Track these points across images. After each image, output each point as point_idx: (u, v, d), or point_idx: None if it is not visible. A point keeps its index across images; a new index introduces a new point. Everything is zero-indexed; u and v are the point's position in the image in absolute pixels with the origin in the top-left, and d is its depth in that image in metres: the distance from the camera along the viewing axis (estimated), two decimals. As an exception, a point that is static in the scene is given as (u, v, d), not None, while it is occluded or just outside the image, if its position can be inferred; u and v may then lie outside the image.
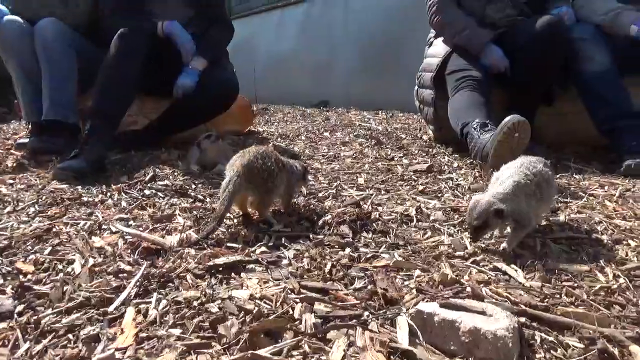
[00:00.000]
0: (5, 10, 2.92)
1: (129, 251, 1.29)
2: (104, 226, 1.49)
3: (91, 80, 2.85)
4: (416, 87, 3.23)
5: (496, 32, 2.78)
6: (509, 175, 1.33)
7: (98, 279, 1.13)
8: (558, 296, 1.04)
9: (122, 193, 1.87)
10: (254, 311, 0.95)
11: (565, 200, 1.76)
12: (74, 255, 1.26)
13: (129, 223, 1.52)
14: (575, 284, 1.10)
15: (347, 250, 1.30)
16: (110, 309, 1.01)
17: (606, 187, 1.94)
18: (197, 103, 2.80)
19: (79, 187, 1.96)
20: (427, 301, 0.99)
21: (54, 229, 1.45)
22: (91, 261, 1.20)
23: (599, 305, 1.00)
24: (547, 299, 1.02)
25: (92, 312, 1.00)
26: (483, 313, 0.91)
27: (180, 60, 2.85)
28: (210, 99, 2.83)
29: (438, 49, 2.96)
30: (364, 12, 6.31)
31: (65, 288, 1.08)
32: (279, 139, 3.31)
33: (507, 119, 2.02)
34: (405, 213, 1.62)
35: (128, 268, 1.17)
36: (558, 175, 2.17)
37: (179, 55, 2.84)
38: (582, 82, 2.50)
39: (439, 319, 0.89)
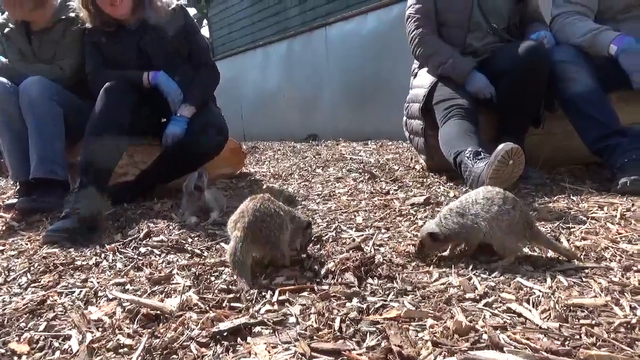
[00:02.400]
0: None
1: (128, 320, 1.24)
2: (100, 293, 1.44)
3: (80, 134, 2.84)
4: (404, 118, 3.25)
5: (478, 59, 2.82)
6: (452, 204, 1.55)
7: (97, 356, 1.07)
8: (578, 337, 1.01)
9: (117, 253, 1.82)
10: (265, 383, 0.90)
11: (568, 225, 1.74)
12: (71, 330, 1.21)
13: (126, 287, 1.47)
14: (594, 322, 1.06)
15: (355, 300, 1.26)
16: (112, 390, 0.96)
17: (606, 208, 1.93)
18: (187, 151, 2.78)
19: (72, 249, 1.91)
20: (445, 356, 0.95)
21: (48, 301, 1.39)
22: (89, 336, 1.15)
23: (621, 344, 0.97)
24: (567, 342, 0.99)
25: (93, 396, 0.95)
26: (505, 366, 0.87)
27: (168, 109, 2.85)
28: (201, 146, 2.81)
29: (423, 79, 2.99)
30: (344, 46, 6.43)
31: (62, 370, 1.03)
32: (271, 180, 3.29)
33: (500, 147, 2.02)
34: (408, 252, 1.59)
35: (128, 341, 1.12)
36: (555, 198, 2.17)
37: (166, 104, 2.84)
38: (568, 104, 2.53)
39: (460, 377, 0.85)
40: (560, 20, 2.72)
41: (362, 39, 6.08)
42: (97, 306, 1.35)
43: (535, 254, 1.51)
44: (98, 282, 1.52)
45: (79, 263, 1.73)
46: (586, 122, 2.43)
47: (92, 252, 1.86)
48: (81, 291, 1.45)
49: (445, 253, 1.58)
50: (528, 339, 1.00)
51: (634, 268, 1.35)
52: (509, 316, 1.12)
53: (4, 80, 2.84)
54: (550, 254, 1.48)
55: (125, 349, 1.09)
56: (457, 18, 2.85)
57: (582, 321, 1.07)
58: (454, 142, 2.47)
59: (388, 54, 5.67)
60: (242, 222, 1.44)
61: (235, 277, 1.42)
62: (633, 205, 1.93)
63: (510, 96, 2.61)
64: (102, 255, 1.81)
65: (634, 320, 1.05)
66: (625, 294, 1.18)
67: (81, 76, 2.98)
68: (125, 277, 1.56)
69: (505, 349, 0.96)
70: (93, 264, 1.72)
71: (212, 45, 9.25)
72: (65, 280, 1.56)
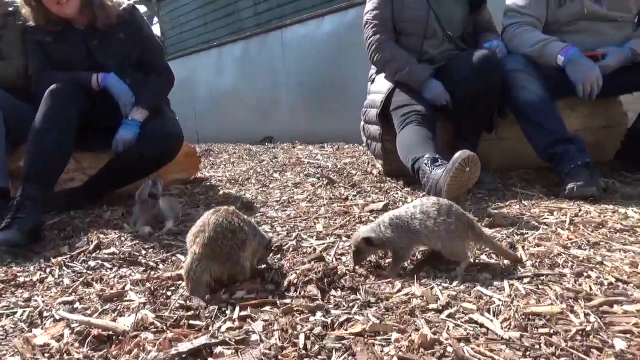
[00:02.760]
0: None
1: (77, 344, 1.16)
2: (45, 313, 1.34)
3: (21, 138, 2.66)
4: (362, 123, 3.26)
5: (435, 66, 2.88)
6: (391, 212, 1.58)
7: (44, 386, 0.99)
8: (538, 347, 1.03)
9: (64, 267, 1.71)
10: (229, 409, 0.86)
11: (522, 232, 1.79)
12: (13, 356, 1.11)
13: (75, 306, 1.38)
14: (551, 330, 1.09)
15: (318, 314, 1.24)
16: (61, 423, 0.89)
17: (555, 213, 2.01)
18: (139, 156, 2.66)
19: (13, 264, 1.78)
20: (411, 372, 0.95)
21: (-13, 324, 1.29)
22: (34, 364, 1.06)
23: (578, 353, 1.00)
24: (528, 352, 1.00)
25: None
26: (471, 381, 0.87)
27: (118, 112, 2.72)
28: (153, 151, 2.70)
29: (381, 85, 3.02)
30: (300, 49, 6.42)
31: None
32: (227, 185, 3.21)
33: (457, 154, 2.06)
34: (371, 263, 1.59)
35: (78, 368, 1.05)
36: (507, 202, 2.24)
37: (117, 108, 2.71)
38: (519, 111, 2.62)
39: (429, 395, 0.84)
40: (511, 30, 2.81)
41: (318, 42, 6.09)
42: (42, 328, 1.25)
43: (493, 261, 1.55)
44: (43, 301, 1.42)
45: (21, 280, 1.61)
46: (535, 129, 2.53)
47: (36, 266, 1.74)
48: (24, 311, 1.35)
49: (406, 263, 1.59)
50: (491, 350, 1.01)
51: (585, 274, 1.40)
52: (471, 327, 1.13)
53: None
54: (506, 261, 1.52)
55: (75, 377, 1.02)
56: (414, 26, 2.90)
57: (540, 330, 1.10)
58: (411, 148, 2.50)
59: (345, 57, 5.71)
60: (202, 238, 1.38)
61: (188, 294, 1.36)
62: (580, 210, 2.02)
63: (465, 103, 2.68)
64: (47, 270, 1.70)
65: (588, 328, 1.09)
66: (579, 300, 1.23)
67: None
68: (73, 294, 1.47)
69: (470, 362, 0.97)
70: (37, 280, 1.61)
71: (163, 45, 8.98)
72: (5, 300, 1.45)
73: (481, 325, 1.13)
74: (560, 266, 1.46)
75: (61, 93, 2.49)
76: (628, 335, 1.05)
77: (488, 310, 1.20)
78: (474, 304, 1.24)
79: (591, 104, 2.82)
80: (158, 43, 3.11)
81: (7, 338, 1.21)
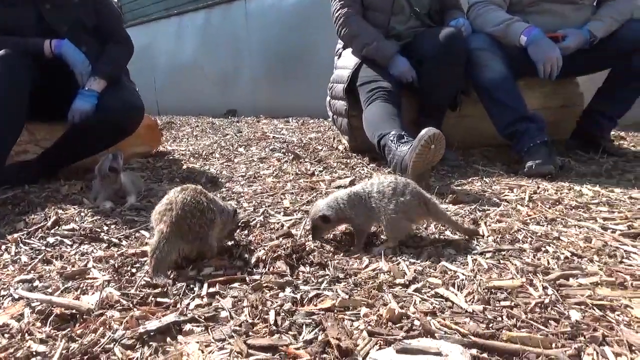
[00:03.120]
0: None
1: (39, 323, 1.12)
2: (3, 292, 1.29)
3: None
4: (328, 98, 3.25)
5: (401, 43, 2.88)
6: (349, 189, 1.62)
7: (5, 367, 0.96)
8: (500, 319, 1.07)
9: (21, 244, 1.63)
10: (201, 386, 0.86)
11: (484, 208, 1.85)
12: (-30, 337, 1.07)
13: (34, 284, 1.33)
14: (513, 303, 1.14)
15: (288, 290, 1.24)
16: (25, 405, 0.86)
17: (515, 190, 2.08)
18: (96, 128, 2.55)
19: (-36, 241, 1.69)
20: (381, 345, 0.97)
21: (-62, 304, 1.23)
22: (-7, 345, 1.02)
23: (537, 324, 1.05)
24: (491, 324, 1.05)
25: (2, 413, 0.85)
26: (439, 354, 0.90)
27: (74, 81, 2.59)
28: (112, 123, 2.59)
29: (347, 60, 3.00)
30: (265, 18, 6.26)
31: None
32: (191, 159, 3.15)
33: (423, 132, 2.09)
34: (338, 239, 1.61)
35: (41, 348, 1.01)
36: (470, 179, 2.30)
37: (73, 77, 2.58)
38: (482, 89, 2.67)
39: (398, 367, 0.87)
40: (477, 10, 2.84)
41: (284, 12, 5.95)
42: (1, 308, 1.20)
43: (457, 237, 1.59)
44: (0, 280, 1.36)
45: (-26, 258, 1.54)
46: (497, 107, 2.59)
47: (-10, 243, 1.66)
48: (-21, 291, 1.29)
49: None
50: (456, 323, 1.05)
51: (543, 249, 1.46)
52: (437, 301, 1.16)
53: None
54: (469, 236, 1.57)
55: (39, 357, 0.99)
56: (382, 1, 2.87)
57: (502, 303, 1.14)
58: (377, 125, 2.52)
59: (310, 30, 5.62)
60: (169, 216, 1.35)
61: (151, 274, 1.33)
62: (538, 187, 2.10)
63: (430, 80, 2.71)
64: (3, 247, 1.62)
65: (546, 300, 1.14)
66: (537, 274, 1.28)
67: None
68: (32, 272, 1.41)
69: (436, 334, 1.00)
70: (-8, 257, 1.54)
71: (121, 11, 8.56)
72: (-42, 279, 1.38)
73: (446, 299, 1.17)
74: (520, 241, 1.52)
75: (10, 59, 2.34)
76: (582, 307, 1.12)
77: (453, 285, 1.24)
78: (439, 278, 1.28)
79: (550, 84, 2.91)
80: (115, 9, 2.96)
81: (-38, 319, 1.16)
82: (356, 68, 2.85)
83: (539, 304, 1.13)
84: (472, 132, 3.00)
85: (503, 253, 1.44)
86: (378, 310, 1.12)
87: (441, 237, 1.59)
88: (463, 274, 1.30)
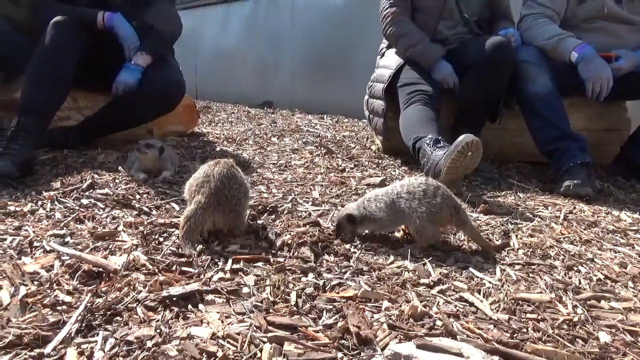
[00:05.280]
0: None
1: (67, 276, 1.15)
2: (36, 243, 1.33)
3: (16, 70, 2.59)
4: (366, 97, 3.23)
5: (447, 48, 2.84)
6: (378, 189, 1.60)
7: (32, 312, 0.99)
8: (525, 330, 1.04)
9: (56, 202, 1.68)
10: (218, 354, 0.86)
11: (516, 221, 1.80)
12: (2, 281, 1.10)
13: (66, 240, 1.36)
14: (539, 317, 1.11)
15: (310, 276, 1.24)
16: (47, 350, 0.89)
17: (550, 208, 2.02)
18: (138, 102, 2.61)
19: (4, 193, 1.75)
20: (401, 340, 0.96)
21: (-25, 247, 1.27)
22: (23, 290, 1.05)
23: (564, 340, 1.01)
24: (516, 334, 1.02)
25: (25, 354, 0.87)
26: (460, 355, 0.88)
27: (121, 54, 2.65)
28: (154, 99, 2.65)
29: (390, 60, 2.98)
30: (311, 13, 6.27)
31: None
32: (225, 143, 3.18)
33: (461, 137, 2.05)
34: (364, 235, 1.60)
35: (67, 298, 1.04)
36: (503, 193, 2.25)
37: (120, 49, 2.64)
38: (526, 103, 2.60)
39: (418, 362, 0.85)
40: (529, 21, 2.77)
41: (331, 9, 5.94)
42: (32, 257, 1.24)
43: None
44: (34, 232, 1.40)
45: (12, 209, 1.59)
46: (540, 123, 2.52)
47: (28, 198, 1.71)
48: (15, 239, 1.34)
49: (398, 235, 1.60)
50: (479, 328, 1.03)
51: (575, 268, 1.42)
52: (461, 305, 1.14)
53: None
54: (498, 242, 1.53)
55: (64, 307, 1.01)
56: (431, 4, 2.84)
57: (528, 315, 1.11)
58: (414, 127, 2.49)
59: (353, 29, 5.59)
60: (208, 187, 1.38)
61: (180, 241, 1.35)
62: (575, 207, 2.04)
63: (473, 88, 2.66)
64: (39, 202, 1.67)
65: (575, 319, 1.10)
66: (567, 292, 1.24)
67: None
68: (65, 228, 1.45)
69: (458, 337, 0.98)
70: (28, 211, 1.59)
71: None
72: (-5, 226, 1.43)
73: (471, 304, 1.15)
74: (552, 258, 1.47)
75: (64, 27, 2.41)
76: (613, 330, 1.08)
77: (479, 291, 1.22)
78: (465, 283, 1.25)
79: (596, 105, 2.81)
80: (170, -12, 3.02)
81: (-4, 263, 1.20)
82: (398, 69, 2.83)
83: (567, 321, 1.09)
84: (510, 146, 2.93)
85: (533, 267, 1.40)
86: (400, 306, 1.10)
87: (469, 244, 1.55)
88: (490, 282, 1.27)
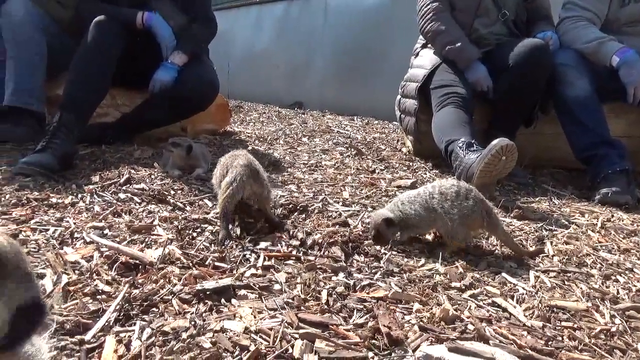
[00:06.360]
0: None
1: (106, 266, 1.19)
2: (76, 234, 1.37)
3: (60, 68, 2.69)
4: (398, 97, 3.21)
5: (483, 50, 2.80)
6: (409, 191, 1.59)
7: (73, 300, 1.02)
8: (560, 338, 1.02)
9: (95, 195, 1.74)
10: (251, 348, 0.87)
11: (551, 228, 1.76)
12: (45, 269, 1.15)
13: (104, 232, 1.41)
14: (575, 325, 1.08)
15: (341, 275, 1.25)
16: (87, 337, 0.92)
17: (587, 216, 1.97)
18: (174, 100, 2.67)
19: (46, 185, 1.82)
20: (432, 342, 0.95)
21: (21, 236, 1.32)
22: (65, 278, 1.09)
23: (601, 351, 0.99)
24: (550, 342, 1.00)
25: (67, 340, 0.91)
26: (492, 359, 0.87)
27: (158, 53, 2.72)
28: (189, 97, 2.71)
29: (424, 60, 2.95)
30: (343, 15, 6.28)
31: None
32: (256, 142, 3.22)
33: (495, 141, 2.02)
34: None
35: (106, 288, 1.08)
36: (537, 199, 2.20)
37: (157, 49, 2.71)
38: (563, 107, 2.54)
39: (449, 365, 0.85)
40: (568, 24, 2.70)
41: (361, 12, 5.94)
42: (73, 248, 1.29)
43: (519, 251, 1.53)
44: (74, 223, 1.45)
45: (53, 200, 1.65)
46: (577, 128, 2.46)
47: (69, 191, 1.78)
48: (56, 230, 1.39)
49: (429, 237, 1.59)
50: (513, 334, 1.01)
51: (613, 277, 1.38)
52: (494, 310, 1.12)
53: None
54: (533, 248, 1.50)
55: (104, 296, 1.05)
56: (467, 2, 2.80)
57: (564, 323, 1.09)
58: (447, 130, 2.46)
59: (385, 31, 5.57)
60: (243, 159, 1.51)
61: (219, 214, 1.46)
62: (613, 216, 1.97)
63: (508, 91, 2.61)
64: (79, 195, 1.73)
65: (613, 329, 1.07)
66: (605, 301, 1.21)
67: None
68: (103, 221, 1.50)
69: (491, 342, 0.97)
70: (69, 203, 1.64)
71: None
72: (38, 217, 1.49)
73: (504, 310, 1.13)
74: (589, 266, 1.43)
75: (104, 26, 2.48)
76: (653, 342, 1.04)
77: (512, 297, 1.20)
78: (497, 288, 1.24)
79: (637, 111, 2.72)
80: (208, -9, 3.08)
81: (40, 252, 1.24)
82: (433, 69, 2.80)
83: (605, 331, 1.07)
84: (545, 152, 2.86)
85: (568, 275, 1.36)
86: (431, 309, 1.10)
87: (502, 249, 1.53)
88: (523, 289, 1.25)
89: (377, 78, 5.65)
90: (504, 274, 1.32)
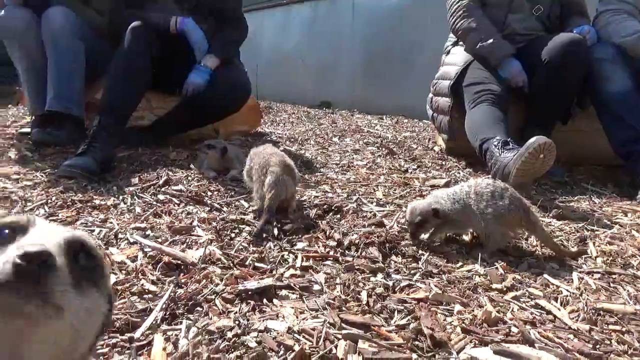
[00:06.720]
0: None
1: (150, 266, 1.22)
2: (120, 235, 1.42)
3: (98, 73, 2.77)
4: (430, 95, 3.18)
5: (517, 46, 2.74)
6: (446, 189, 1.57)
7: (122, 299, 1.06)
8: (608, 342, 1.00)
9: (135, 197, 1.79)
10: (296, 348, 0.89)
11: (592, 228, 1.71)
12: (93, 269, 1.19)
13: (147, 233, 1.45)
14: (623, 329, 1.05)
15: (380, 276, 1.25)
16: (137, 334, 0.95)
17: (630, 215, 1.91)
18: (207, 102, 2.72)
19: (89, 187, 1.88)
20: (475, 344, 0.94)
21: (68, 237, 1.37)
22: (113, 278, 1.13)
23: (652, 355, 0.96)
24: (598, 346, 0.97)
25: (118, 338, 0.94)
26: (540, 363, 0.86)
27: (191, 57, 2.77)
28: (221, 99, 2.75)
29: (456, 57, 2.92)
30: (370, 15, 6.26)
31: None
32: (287, 143, 3.24)
33: (533, 139, 1.98)
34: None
35: (152, 288, 1.11)
36: (576, 198, 2.14)
37: (190, 53, 2.76)
38: (601, 103, 2.47)
39: (496, 368, 0.84)
40: (607, 17, 2.62)
41: (389, 11, 5.90)
42: (118, 248, 1.33)
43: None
44: (118, 224, 1.50)
45: (96, 202, 1.70)
46: (616, 123, 2.38)
47: (110, 192, 1.83)
48: (101, 231, 1.43)
49: (466, 238, 1.57)
50: (559, 337, 0.99)
51: (661, 280, 1.33)
52: (537, 312, 1.10)
53: (22, 13, 2.72)
54: (574, 248, 1.47)
55: (150, 295, 1.08)
56: None
57: (611, 327, 1.06)
58: (481, 128, 2.43)
59: (414, 30, 5.53)
60: (279, 157, 1.62)
61: (265, 209, 1.53)
62: (657, 215, 1.91)
63: (544, 88, 2.55)
64: (120, 197, 1.79)
65: (664, 333, 1.04)
66: (654, 304, 1.17)
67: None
68: (145, 222, 1.54)
69: (536, 345, 0.95)
70: (111, 204, 1.69)
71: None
72: (83, 218, 1.54)
73: (548, 312, 1.11)
74: (635, 268, 1.39)
75: (139, 31, 2.54)
76: None
77: (555, 299, 1.17)
78: (540, 290, 1.21)
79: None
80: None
81: (87, 252, 1.29)
82: (465, 67, 2.76)
83: (656, 336, 1.03)
84: (582, 149, 2.79)
85: (614, 276, 1.33)
86: (473, 311, 1.08)
87: (543, 249, 1.50)
88: (567, 290, 1.22)
89: (407, 77, 5.62)
90: (546, 276, 1.30)
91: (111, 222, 1.51)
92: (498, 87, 2.57)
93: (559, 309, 1.12)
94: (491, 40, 2.64)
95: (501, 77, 2.65)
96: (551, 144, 1.97)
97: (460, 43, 2.98)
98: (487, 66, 2.69)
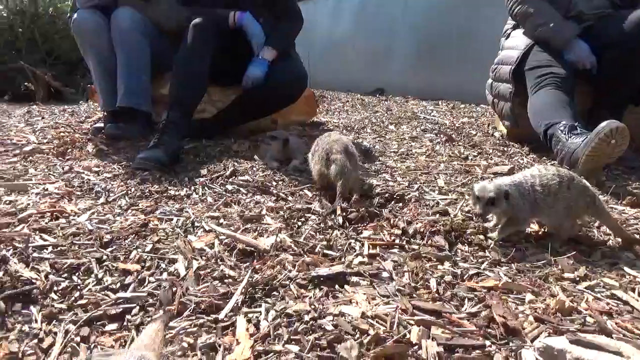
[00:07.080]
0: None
1: (227, 253, 1.30)
2: (196, 223, 1.51)
3: (163, 69, 2.91)
4: (490, 81, 3.09)
5: (582, 25, 2.61)
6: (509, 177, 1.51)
7: (204, 283, 1.14)
8: (692, 334, 0.97)
9: (206, 187, 1.89)
10: (370, 332, 0.93)
11: (671, 217, 1.63)
12: (176, 254, 1.28)
13: (220, 221, 1.53)
14: None
15: (447, 264, 1.26)
16: (221, 316, 1.02)
17: None
18: (266, 94, 2.79)
19: (163, 179, 2.00)
20: (550, 334, 0.94)
21: (150, 225, 1.48)
22: (195, 264, 1.22)
23: None
24: (681, 338, 0.95)
25: (204, 318, 1.01)
26: (619, 354, 0.85)
27: (249, 50, 2.85)
28: (279, 90, 2.81)
29: (517, 41, 2.82)
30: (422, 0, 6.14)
31: (173, 290, 1.10)
32: (344, 131, 3.27)
33: (604, 124, 1.90)
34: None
35: (232, 273, 1.18)
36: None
37: (248, 46, 2.84)
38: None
39: (572, 357, 0.84)
40: (685, -8, 2.45)
41: (445, -7, 5.76)
42: (196, 236, 1.42)
43: (636, 241, 1.44)
44: (193, 213, 1.59)
45: (172, 192, 1.82)
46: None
47: (183, 183, 1.94)
48: (179, 220, 1.53)
49: (535, 227, 1.54)
50: (638, 329, 0.97)
51: None
52: (614, 302, 1.08)
53: (93, 16, 2.88)
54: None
55: (230, 280, 1.15)
56: None
57: (696, 319, 1.02)
58: (546, 113, 2.34)
59: (468, 14, 5.36)
60: (339, 145, 1.73)
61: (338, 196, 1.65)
62: None
63: (616, 69, 2.43)
64: (192, 187, 1.89)
65: None
66: None
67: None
68: (217, 211, 1.63)
69: (614, 336, 0.94)
70: (185, 195, 1.80)
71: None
72: (162, 207, 1.65)
73: (625, 303, 1.09)
74: None
75: (202, 27, 2.64)
76: None
77: (632, 290, 1.14)
78: (615, 280, 1.19)
79: None
80: (292, -13, 3.15)
81: (169, 239, 1.39)
82: (526, 50, 2.67)
83: None
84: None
85: (696, 267, 1.27)
86: (544, 300, 1.08)
87: (617, 238, 1.45)
88: (644, 281, 1.18)
89: (462, 60, 5.48)
90: (621, 265, 1.26)
91: (187, 212, 1.61)
92: (563, 70, 2.47)
93: (637, 300, 1.09)
94: (552, 24, 2.53)
95: (566, 59, 2.54)
96: (624, 129, 1.89)
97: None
98: (550, 49, 2.58)
